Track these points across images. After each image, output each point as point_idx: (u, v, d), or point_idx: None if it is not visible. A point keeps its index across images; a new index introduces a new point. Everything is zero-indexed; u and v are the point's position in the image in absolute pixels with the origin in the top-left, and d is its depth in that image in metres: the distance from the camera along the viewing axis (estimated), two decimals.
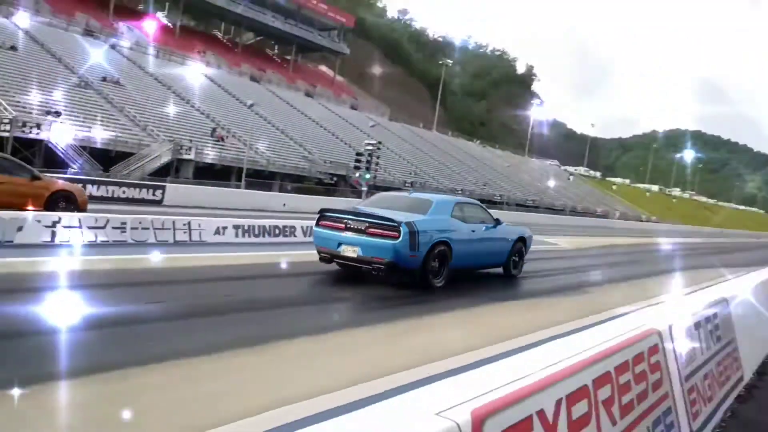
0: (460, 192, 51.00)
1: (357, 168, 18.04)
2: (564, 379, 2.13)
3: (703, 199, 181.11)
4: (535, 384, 1.97)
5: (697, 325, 3.75)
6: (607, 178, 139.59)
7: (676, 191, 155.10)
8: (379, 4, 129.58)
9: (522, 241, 10.39)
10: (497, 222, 9.67)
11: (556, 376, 2.10)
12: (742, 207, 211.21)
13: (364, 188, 17.80)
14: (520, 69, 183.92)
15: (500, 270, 10.19)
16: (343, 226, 8.00)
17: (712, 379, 3.86)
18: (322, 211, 8.52)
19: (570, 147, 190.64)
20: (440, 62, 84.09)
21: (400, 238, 7.42)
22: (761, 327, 6.05)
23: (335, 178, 41.97)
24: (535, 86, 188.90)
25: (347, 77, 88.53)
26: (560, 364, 2.23)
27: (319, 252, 8.36)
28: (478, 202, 10.88)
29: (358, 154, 18.56)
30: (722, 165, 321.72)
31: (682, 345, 3.36)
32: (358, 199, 20.47)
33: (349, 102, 71.65)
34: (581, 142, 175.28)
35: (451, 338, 5.96)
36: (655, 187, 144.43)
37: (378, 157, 17.88)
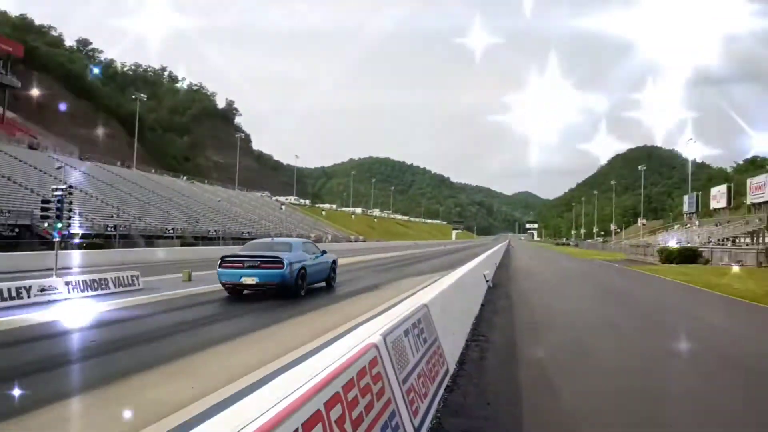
0: (171, 231, 48.46)
1: (45, 217, 15.59)
2: (299, 408, 2.13)
3: (399, 216, 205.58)
4: (272, 420, 1.94)
5: (406, 332, 4.16)
6: (316, 205, 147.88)
7: (376, 211, 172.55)
8: (54, 33, 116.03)
9: (334, 263, 15.86)
10: (323, 252, 15.09)
11: (291, 407, 2.10)
12: (429, 221, 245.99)
13: (57, 238, 15.47)
14: (221, 103, 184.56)
15: (324, 284, 15.11)
16: (241, 264, 12.34)
17: (424, 377, 4.32)
18: (223, 257, 12.63)
19: (279, 178, 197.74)
20: (134, 96, 78.68)
21: (284, 268, 12.00)
22: (455, 323, 7.04)
23: (17, 230, 35.76)
24: (239, 120, 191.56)
25: (22, 114, 77.05)
26: (294, 394, 2.23)
27: (224, 285, 12.55)
28: (311, 240, 18.98)
29: (44, 201, 16.00)
30: (409, 186, 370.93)
31: (396, 353, 3.68)
32: (57, 251, 17.78)
33: (27, 141, 62.39)
34: (289, 173, 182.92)
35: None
36: (358, 210, 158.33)
37: (71, 203, 15.71)
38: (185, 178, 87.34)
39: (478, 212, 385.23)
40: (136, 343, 7.84)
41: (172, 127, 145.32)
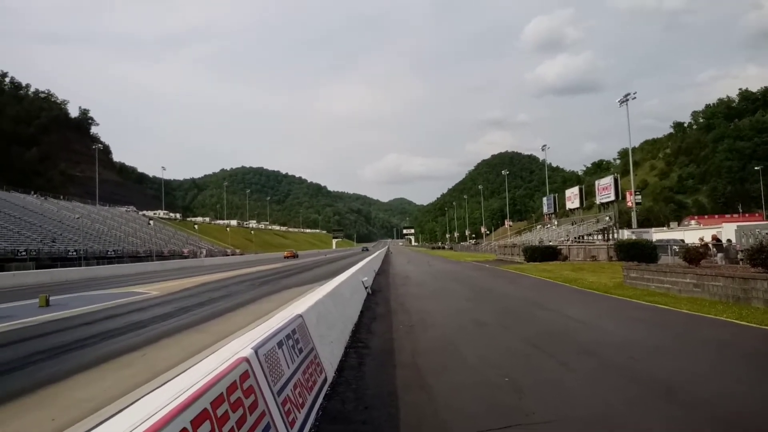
0: (23, 253, 44.09)
1: None
2: (161, 429, 2.10)
3: (277, 227, 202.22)
4: None
5: (280, 344, 4.17)
6: (188, 219, 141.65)
7: (253, 223, 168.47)
8: None
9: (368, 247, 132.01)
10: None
11: (153, 428, 2.08)
12: (308, 230, 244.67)
13: None
14: (74, 113, 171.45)
15: None
16: (364, 246, 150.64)
17: (301, 387, 4.34)
18: (363, 248, 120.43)
19: (145, 191, 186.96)
20: None
21: (370, 250, 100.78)
22: (333, 332, 7.12)
23: None
24: (96, 131, 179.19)
25: None
26: (157, 415, 2.20)
27: (362, 250, 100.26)
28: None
29: None
30: (286, 196, 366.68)
31: (269, 365, 3.68)
32: None
33: None
34: (156, 185, 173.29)
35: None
36: (234, 222, 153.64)
37: None
38: (36, 194, 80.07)
39: (357, 220, 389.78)
40: None
41: (18, 138, 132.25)
